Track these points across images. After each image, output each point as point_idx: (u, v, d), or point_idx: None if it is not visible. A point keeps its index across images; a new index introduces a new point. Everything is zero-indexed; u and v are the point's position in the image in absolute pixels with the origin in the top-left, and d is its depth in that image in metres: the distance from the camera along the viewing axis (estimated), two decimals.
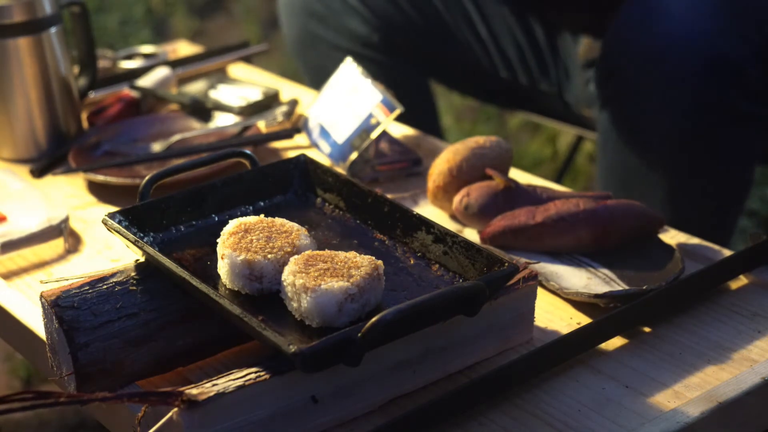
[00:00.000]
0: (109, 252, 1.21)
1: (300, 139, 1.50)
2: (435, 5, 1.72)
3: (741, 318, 1.05)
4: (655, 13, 1.38)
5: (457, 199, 1.20)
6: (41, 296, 0.94)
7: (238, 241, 0.95)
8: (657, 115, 1.39)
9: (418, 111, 1.71)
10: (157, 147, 1.45)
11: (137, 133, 1.50)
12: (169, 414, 0.83)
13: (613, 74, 1.43)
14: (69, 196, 1.37)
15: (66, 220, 1.23)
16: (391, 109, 1.35)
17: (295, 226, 0.99)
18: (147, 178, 1.07)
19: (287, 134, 1.46)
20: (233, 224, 0.99)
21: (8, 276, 1.17)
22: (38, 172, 1.42)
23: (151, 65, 1.70)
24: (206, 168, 1.28)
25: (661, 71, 1.37)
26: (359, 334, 0.83)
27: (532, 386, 0.95)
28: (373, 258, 0.93)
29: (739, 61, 1.35)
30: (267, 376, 0.85)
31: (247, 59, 1.81)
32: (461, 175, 1.21)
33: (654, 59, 1.37)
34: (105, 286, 0.94)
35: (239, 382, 0.85)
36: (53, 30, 1.46)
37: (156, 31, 3.31)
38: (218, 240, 0.98)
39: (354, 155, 1.36)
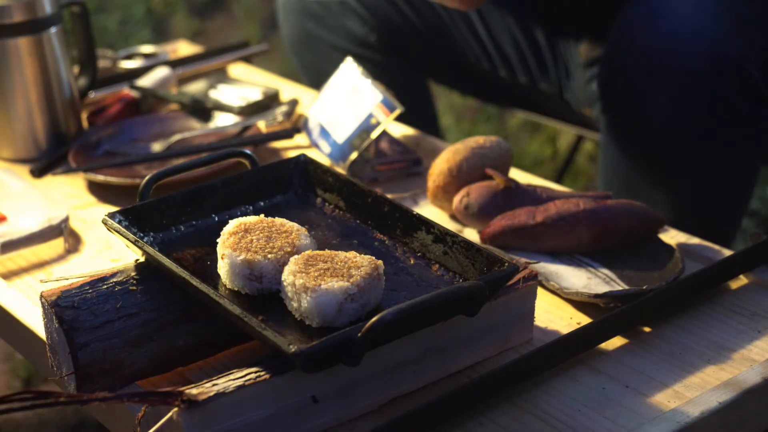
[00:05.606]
0: (109, 252, 1.21)
1: (300, 139, 1.49)
2: (432, 5, 1.72)
3: (741, 318, 1.05)
4: (658, 15, 1.38)
5: (457, 199, 1.20)
6: (41, 296, 0.94)
7: (238, 241, 0.95)
8: (660, 116, 1.39)
9: (416, 111, 1.71)
10: (157, 147, 1.45)
11: (137, 133, 1.50)
12: (169, 414, 0.83)
13: (617, 75, 1.43)
14: (69, 196, 1.37)
15: (66, 220, 1.23)
16: (391, 109, 1.35)
17: (295, 226, 0.99)
18: (147, 178, 1.07)
19: (287, 134, 1.46)
20: (233, 224, 0.99)
21: (8, 276, 1.17)
22: (38, 172, 1.42)
23: (151, 65, 1.70)
24: (206, 168, 1.29)
25: (664, 73, 1.37)
26: (359, 334, 0.83)
27: (532, 386, 0.95)
28: (373, 258, 0.93)
29: (742, 62, 1.34)
30: (267, 376, 0.85)
31: (247, 59, 1.81)
32: (461, 175, 1.21)
33: (657, 60, 1.37)
34: (105, 286, 0.94)
35: (239, 382, 0.85)
36: (53, 30, 1.46)
37: (156, 31, 3.31)
38: (218, 240, 0.98)
39: (354, 155, 1.36)
